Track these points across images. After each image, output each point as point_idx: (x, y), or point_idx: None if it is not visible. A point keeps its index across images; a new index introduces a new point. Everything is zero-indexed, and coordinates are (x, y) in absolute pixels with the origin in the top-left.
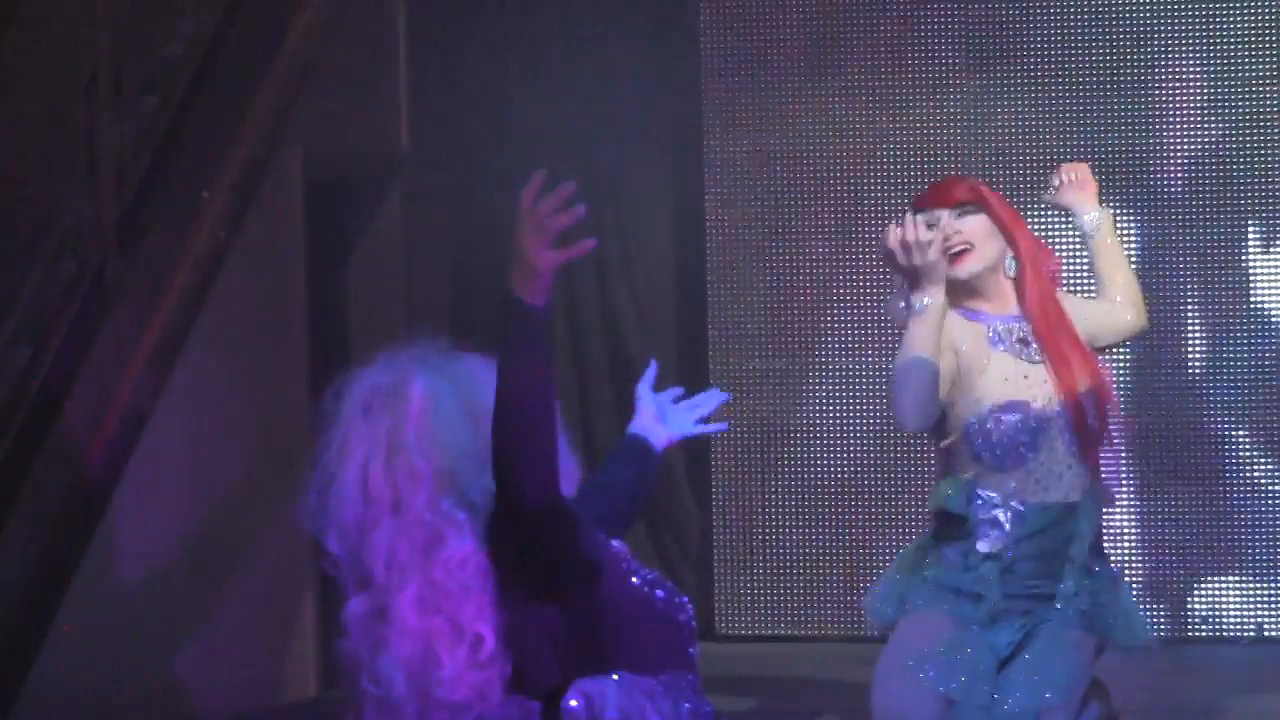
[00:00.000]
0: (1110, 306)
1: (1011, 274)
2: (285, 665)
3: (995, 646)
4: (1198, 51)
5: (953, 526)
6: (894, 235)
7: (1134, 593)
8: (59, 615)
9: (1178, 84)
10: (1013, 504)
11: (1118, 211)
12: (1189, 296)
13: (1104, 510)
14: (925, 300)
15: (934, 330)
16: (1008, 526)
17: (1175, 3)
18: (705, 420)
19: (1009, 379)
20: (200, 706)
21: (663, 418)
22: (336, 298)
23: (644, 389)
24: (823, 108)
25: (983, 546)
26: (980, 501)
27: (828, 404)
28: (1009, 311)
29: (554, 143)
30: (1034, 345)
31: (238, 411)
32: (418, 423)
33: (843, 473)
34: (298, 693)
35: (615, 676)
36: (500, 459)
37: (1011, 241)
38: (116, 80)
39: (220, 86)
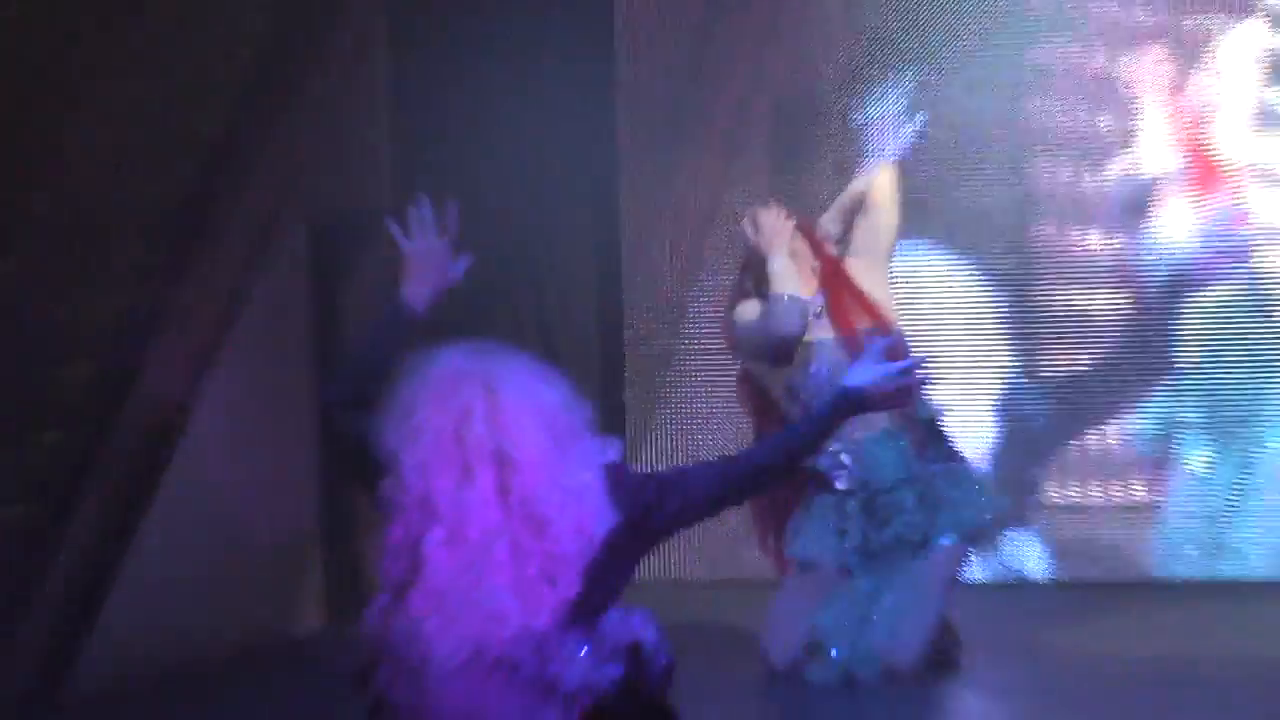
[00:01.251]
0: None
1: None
2: (297, 596)
3: (861, 592)
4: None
5: (821, 477)
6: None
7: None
8: (123, 563)
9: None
10: (847, 445)
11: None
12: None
13: (927, 419)
14: (781, 259)
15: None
16: (849, 461)
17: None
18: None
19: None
20: (230, 637)
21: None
22: (335, 324)
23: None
24: (734, 93)
25: (840, 484)
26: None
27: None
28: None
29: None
30: (823, 318)
31: (255, 405)
32: (510, 421)
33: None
34: (307, 622)
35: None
36: (718, 504)
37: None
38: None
39: (238, 159)
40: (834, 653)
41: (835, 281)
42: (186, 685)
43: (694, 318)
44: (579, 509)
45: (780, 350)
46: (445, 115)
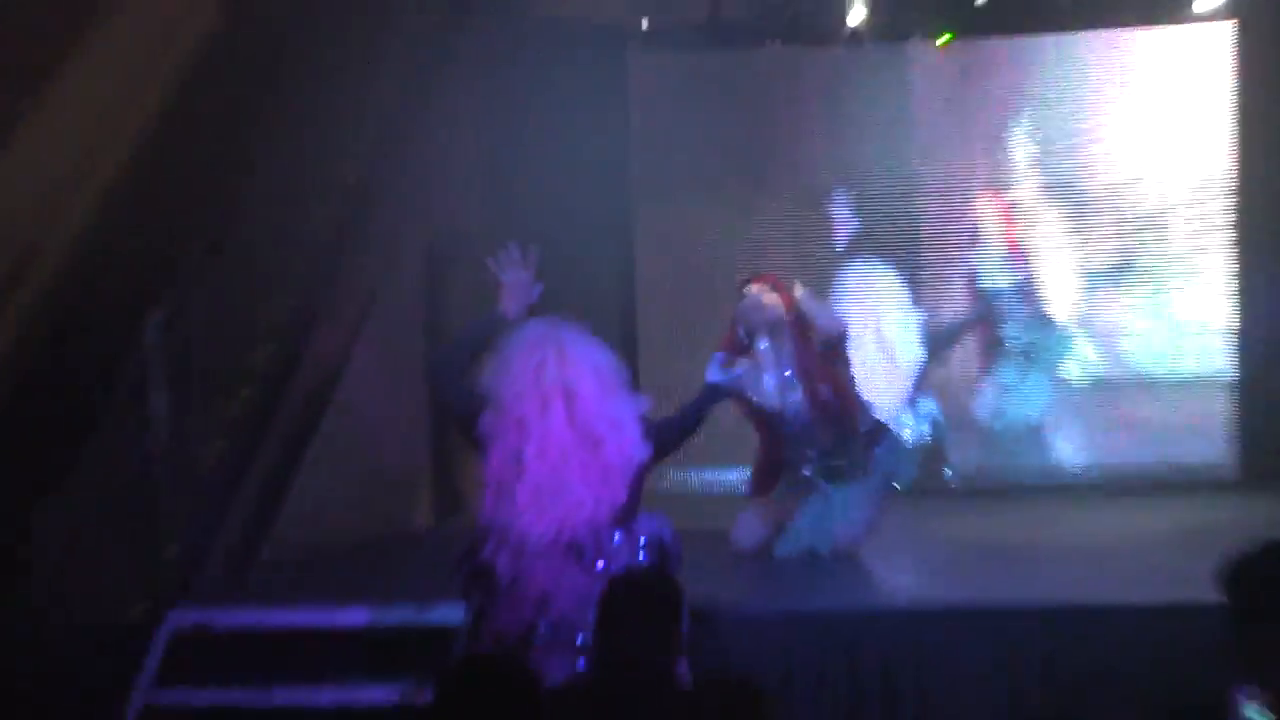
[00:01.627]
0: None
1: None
2: (412, 503)
3: (821, 502)
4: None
5: (796, 466)
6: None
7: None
8: (293, 479)
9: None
10: (811, 452)
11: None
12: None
13: (869, 428)
14: (764, 341)
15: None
16: (815, 455)
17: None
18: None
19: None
20: (366, 529)
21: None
22: (442, 312)
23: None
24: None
25: (807, 472)
26: (802, 455)
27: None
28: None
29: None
30: (790, 374)
31: (385, 370)
32: (573, 368)
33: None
34: (422, 520)
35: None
36: (672, 446)
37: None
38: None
39: (373, 197)
40: (805, 537)
41: (802, 346)
42: (334, 561)
43: (694, 325)
44: (622, 435)
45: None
46: (516, 170)
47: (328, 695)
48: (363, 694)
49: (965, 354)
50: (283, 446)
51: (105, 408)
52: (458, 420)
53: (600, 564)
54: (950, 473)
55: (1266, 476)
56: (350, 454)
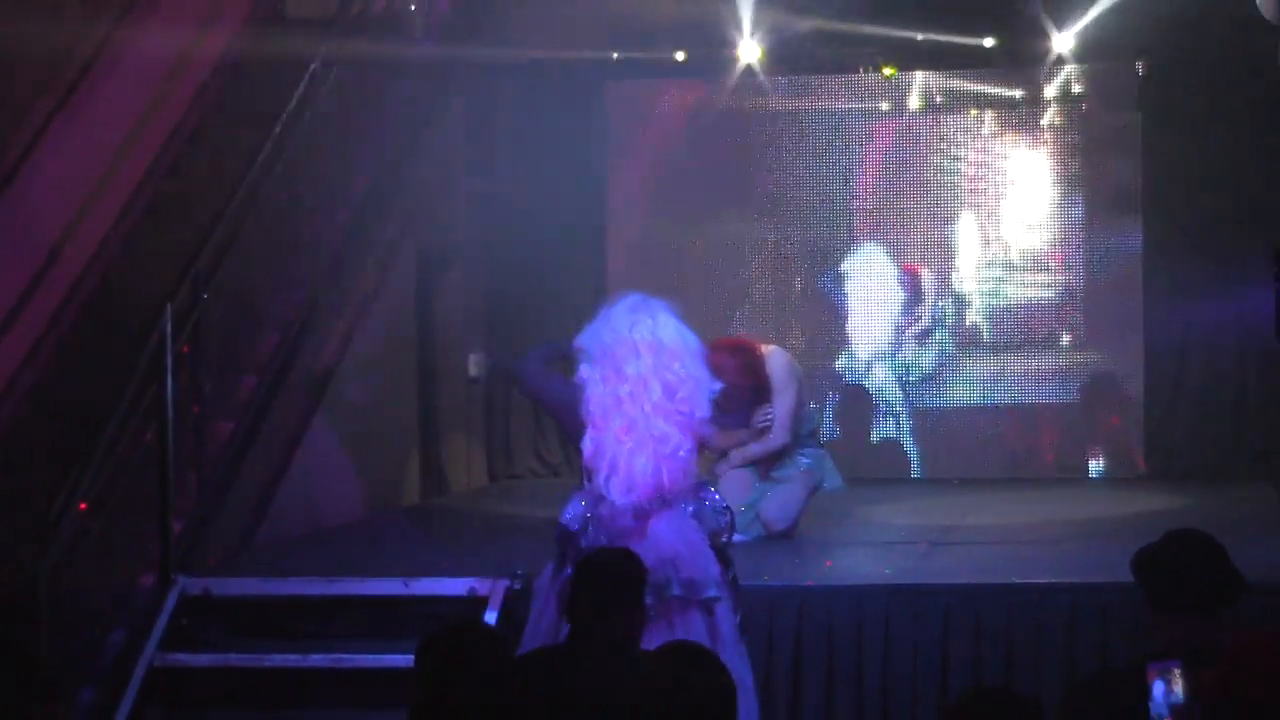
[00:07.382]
0: None
1: None
2: (401, 483)
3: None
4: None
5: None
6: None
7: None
8: (294, 461)
9: None
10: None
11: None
12: None
13: (808, 432)
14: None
15: None
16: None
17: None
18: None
19: None
20: (360, 507)
21: None
22: (430, 310)
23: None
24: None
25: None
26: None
27: None
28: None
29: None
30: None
31: (380, 361)
32: (667, 331)
33: None
34: (409, 500)
35: None
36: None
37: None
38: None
39: (375, 208)
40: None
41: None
42: (331, 537)
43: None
44: (696, 389)
45: None
46: (498, 186)
47: (317, 659)
48: (351, 659)
49: None
50: (284, 429)
51: (123, 391)
52: (552, 407)
53: (700, 521)
54: None
55: None
56: (346, 437)
